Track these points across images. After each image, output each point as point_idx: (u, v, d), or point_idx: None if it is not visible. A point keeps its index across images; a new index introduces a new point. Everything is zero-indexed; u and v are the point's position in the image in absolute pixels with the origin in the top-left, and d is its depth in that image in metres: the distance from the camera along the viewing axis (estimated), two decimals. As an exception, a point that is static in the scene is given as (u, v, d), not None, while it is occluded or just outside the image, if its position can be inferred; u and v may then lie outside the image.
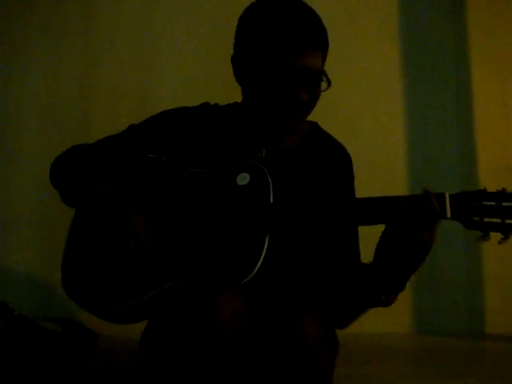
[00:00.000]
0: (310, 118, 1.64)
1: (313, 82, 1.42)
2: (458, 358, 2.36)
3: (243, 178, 1.41)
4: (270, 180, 1.38)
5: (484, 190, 1.26)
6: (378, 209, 1.31)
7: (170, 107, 1.63)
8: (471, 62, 3.00)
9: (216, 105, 1.62)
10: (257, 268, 1.29)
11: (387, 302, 1.37)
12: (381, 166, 2.86)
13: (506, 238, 1.22)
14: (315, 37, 1.40)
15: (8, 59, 2.73)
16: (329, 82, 1.46)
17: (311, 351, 1.25)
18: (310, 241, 1.47)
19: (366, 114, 2.91)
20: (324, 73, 1.44)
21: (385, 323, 2.72)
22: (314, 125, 1.62)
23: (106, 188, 1.46)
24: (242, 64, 1.47)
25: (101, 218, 1.45)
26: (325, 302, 1.44)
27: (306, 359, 1.25)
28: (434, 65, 3.00)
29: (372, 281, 1.35)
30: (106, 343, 2.17)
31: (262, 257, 1.31)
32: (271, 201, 1.36)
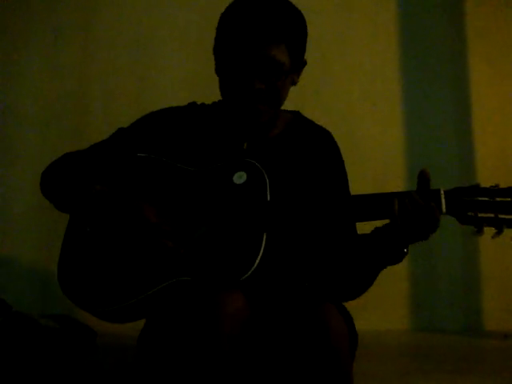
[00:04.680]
0: (306, 113, 1.65)
1: (270, 72, 1.43)
2: (456, 355, 2.37)
3: (240, 177, 1.42)
4: (266, 178, 1.39)
5: (478, 186, 1.28)
6: (377, 206, 1.33)
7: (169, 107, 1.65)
8: (469, 60, 3.00)
9: (203, 104, 1.64)
10: (256, 264, 1.30)
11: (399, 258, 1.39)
12: (378, 165, 2.87)
13: (499, 232, 1.25)
14: (275, 29, 1.41)
15: (6, 59, 2.73)
16: (298, 68, 1.49)
17: (334, 343, 1.24)
18: (308, 233, 1.48)
19: (363, 112, 2.92)
20: (284, 65, 1.43)
21: (383, 320, 2.73)
22: (296, 114, 1.64)
23: (100, 186, 1.46)
24: (216, 54, 1.51)
25: (105, 211, 1.43)
26: (334, 282, 1.47)
27: (329, 351, 1.23)
28: (432, 63, 3.00)
29: (374, 249, 1.39)
30: (104, 341, 2.17)
31: (261, 252, 1.31)
32: (268, 199, 1.37)
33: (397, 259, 1.39)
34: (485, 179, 2.90)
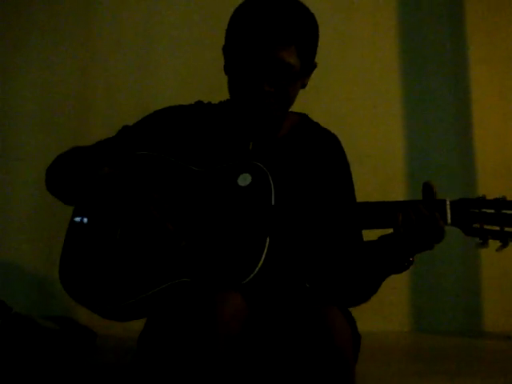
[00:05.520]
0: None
1: (279, 74, 1.42)
2: (456, 357, 2.36)
3: (245, 179, 1.41)
4: (271, 181, 1.39)
5: (484, 198, 1.27)
6: (380, 215, 1.32)
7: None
8: (470, 62, 3.00)
9: (209, 103, 1.64)
10: (257, 268, 1.30)
11: (404, 267, 1.39)
12: (378, 166, 2.86)
13: (504, 245, 1.26)
14: (285, 32, 1.40)
15: (6, 60, 2.72)
16: (308, 71, 1.48)
17: (338, 344, 1.24)
18: (312, 238, 1.47)
19: (363, 114, 2.91)
20: (293, 68, 1.43)
21: (383, 322, 2.72)
22: (304, 116, 1.64)
23: (107, 169, 1.46)
24: (226, 53, 1.50)
25: (110, 195, 1.42)
26: (337, 287, 1.47)
27: (332, 352, 1.23)
28: (433, 65, 3.00)
29: (378, 257, 1.38)
30: (103, 342, 2.17)
31: (263, 257, 1.31)
32: (272, 202, 1.37)
33: (401, 268, 1.38)
34: (486, 184, 2.91)
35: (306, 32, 1.45)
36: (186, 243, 1.37)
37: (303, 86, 1.52)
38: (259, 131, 1.51)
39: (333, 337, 1.23)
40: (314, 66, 1.52)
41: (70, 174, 1.50)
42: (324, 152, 1.57)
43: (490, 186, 2.85)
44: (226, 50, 1.51)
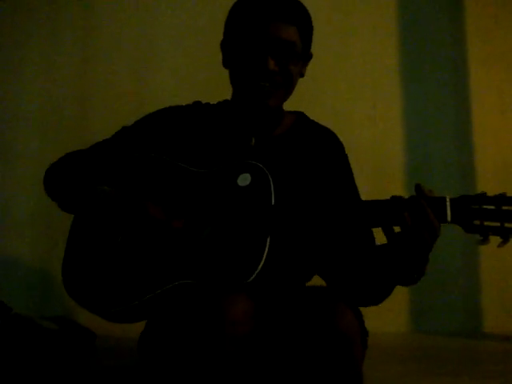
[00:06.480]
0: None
1: (282, 52, 1.45)
2: (455, 357, 2.36)
3: (244, 179, 1.41)
4: (271, 181, 1.38)
5: (484, 194, 1.26)
6: (383, 211, 1.31)
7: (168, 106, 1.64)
8: (469, 62, 3.00)
9: (207, 103, 1.64)
10: (259, 268, 1.29)
11: (414, 278, 1.37)
12: (378, 166, 2.86)
13: (505, 241, 1.23)
14: (287, 11, 1.45)
15: (6, 60, 2.73)
16: (306, 58, 1.51)
17: (347, 341, 1.23)
18: (313, 236, 1.47)
19: (363, 114, 2.91)
20: (296, 46, 1.46)
21: (383, 322, 2.72)
22: (300, 114, 1.64)
23: (106, 188, 1.47)
24: (225, 46, 1.53)
25: (108, 212, 1.43)
26: (350, 284, 1.46)
27: (341, 349, 1.23)
28: (432, 65, 3.01)
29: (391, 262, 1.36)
30: (103, 343, 2.17)
31: (264, 256, 1.31)
32: (273, 202, 1.36)
33: (411, 279, 1.37)
34: (485, 181, 2.91)
35: (305, 17, 1.50)
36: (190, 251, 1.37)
37: (301, 75, 1.55)
38: (262, 114, 1.51)
39: (341, 332, 1.23)
40: (310, 55, 1.56)
41: (68, 190, 1.51)
42: (324, 150, 1.57)
43: (488, 183, 2.86)
44: (225, 42, 1.53)
